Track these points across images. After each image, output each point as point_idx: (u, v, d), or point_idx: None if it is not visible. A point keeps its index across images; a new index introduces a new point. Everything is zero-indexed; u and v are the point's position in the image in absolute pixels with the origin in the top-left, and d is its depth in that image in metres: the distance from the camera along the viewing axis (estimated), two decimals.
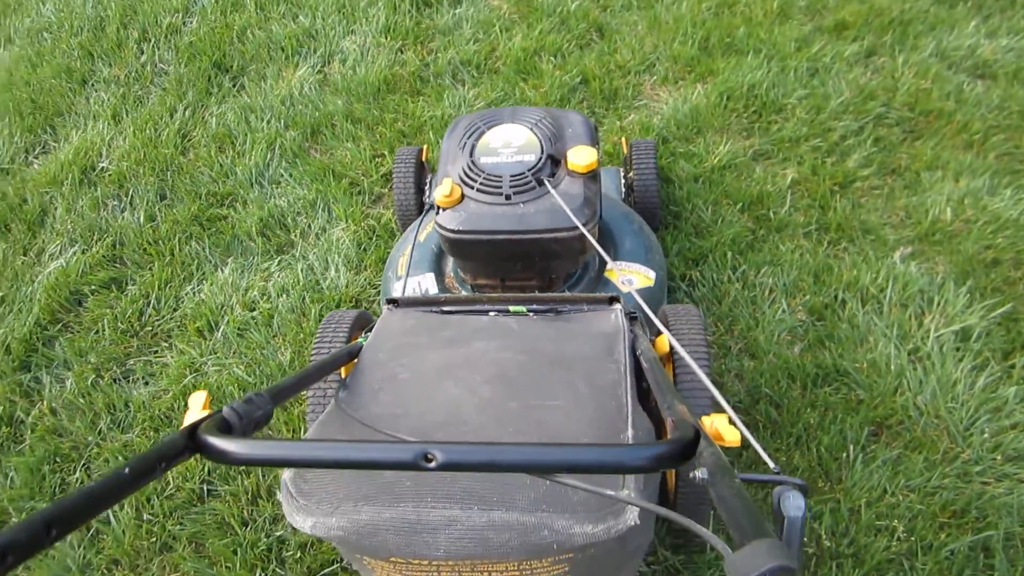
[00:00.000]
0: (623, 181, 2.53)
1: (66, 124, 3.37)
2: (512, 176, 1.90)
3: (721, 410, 1.13)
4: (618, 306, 1.68)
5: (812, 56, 3.09)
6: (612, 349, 1.48)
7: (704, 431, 0.91)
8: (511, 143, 1.98)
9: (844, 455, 2.01)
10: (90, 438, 2.29)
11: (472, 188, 1.91)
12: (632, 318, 1.71)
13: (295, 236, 2.76)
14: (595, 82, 3.11)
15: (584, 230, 1.82)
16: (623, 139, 2.75)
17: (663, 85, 3.14)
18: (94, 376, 2.44)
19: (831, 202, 2.61)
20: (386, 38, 3.46)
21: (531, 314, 1.69)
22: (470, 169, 1.94)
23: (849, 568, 1.83)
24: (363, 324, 1.90)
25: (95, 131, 3.25)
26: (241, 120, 3.17)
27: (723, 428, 1.14)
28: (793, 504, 0.78)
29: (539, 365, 1.41)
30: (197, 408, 1.10)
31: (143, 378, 2.43)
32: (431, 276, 2.23)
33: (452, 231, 1.88)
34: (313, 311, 2.46)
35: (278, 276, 2.62)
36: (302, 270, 2.61)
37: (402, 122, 3.08)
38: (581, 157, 1.89)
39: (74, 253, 2.81)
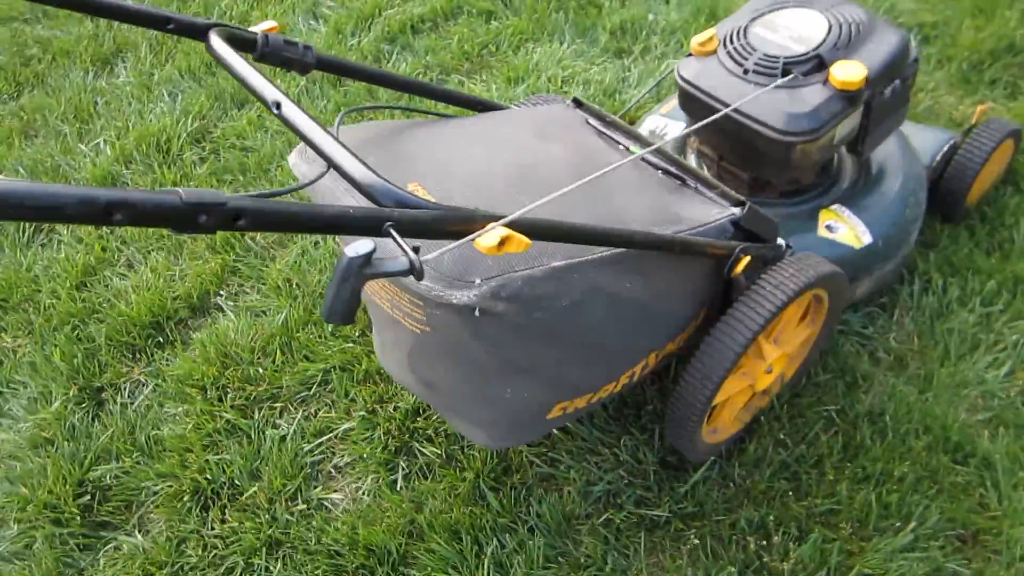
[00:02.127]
0: (943, 149, 2.14)
1: None
2: (764, 55, 1.78)
3: None
4: (732, 212, 1.55)
5: None
6: (676, 223, 1.44)
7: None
8: (795, 28, 1.82)
9: None
10: None
11: (725, 49, 1.84)
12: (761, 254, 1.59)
13: None
14: None
15: (784, 138, 1.68)
16: (981, 107, 2.27)
17: None
18: None
19: None
20: None
21: (644, 160, 1.65)
22: (736, 33, 1.85)
23: None
24: None
25: None
26: None
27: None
28: None
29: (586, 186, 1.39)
30: None
31: None
32: (680, 124, 2.21)
33: (681, 77, 1.87)
34: None
35: None
36: None
37: None
38: (842, 70, 1.69)
39: None
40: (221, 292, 2.30)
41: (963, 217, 2.12)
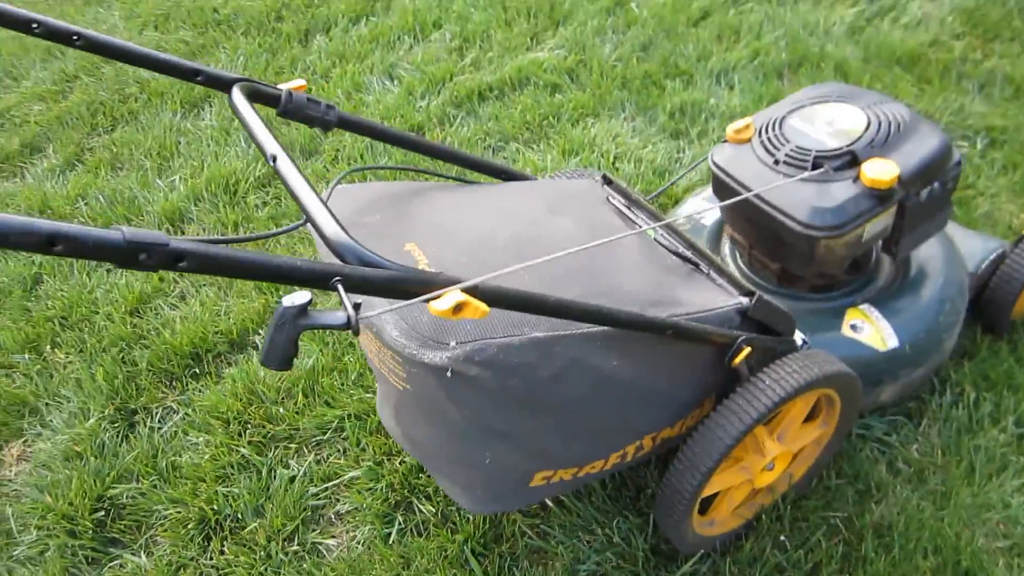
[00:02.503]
0: (991, 257, 2.06)
1: None
2: (797, 147, 1.78)
3: None
4: (739, 301, 1.54)
5: None
6: (675, 305, 1.44)
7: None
8: (833, 122, 1.82)
9: None
10: None
11: (759, 139, 1.85)
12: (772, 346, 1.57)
13: None
14: None
15: (808, 232, 1.67)
16: None
17: None
18: None
19: None
20: None
21: (656, 242, 1.65)
22: (773, 124, 1.86)
23: None
24: None
25: None
26: None
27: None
28: None
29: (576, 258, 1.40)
30: None
31: None
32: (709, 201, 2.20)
33: (714, 163, 1.89)
34: None
35: None
36: None
37: None
38: (873, 168, 1.68)
39: None
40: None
41: (1008, 330, 2.04)
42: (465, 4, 3.68)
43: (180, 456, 2.10)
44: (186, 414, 2.21)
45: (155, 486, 2.04)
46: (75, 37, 1.26)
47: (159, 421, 2.21)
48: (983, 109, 2.71)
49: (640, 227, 1.70)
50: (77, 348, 2.44)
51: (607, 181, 1.89)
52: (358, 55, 3.50)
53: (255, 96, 1.38)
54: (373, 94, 3.25)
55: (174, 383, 2.30)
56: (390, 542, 1.85)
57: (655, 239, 1.67)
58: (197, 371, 2.32)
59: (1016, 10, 3.10)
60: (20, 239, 0.70)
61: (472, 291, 1.04)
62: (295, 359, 0.91)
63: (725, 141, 1.90)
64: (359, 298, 0.96)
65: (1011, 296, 1.97)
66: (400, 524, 1.88)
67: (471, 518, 1.84)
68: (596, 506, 1.82)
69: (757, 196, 1.75)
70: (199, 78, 1.37)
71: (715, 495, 1.71)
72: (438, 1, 3.77)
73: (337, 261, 1.00)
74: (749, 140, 1.86)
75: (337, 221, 1.03)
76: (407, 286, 1.00)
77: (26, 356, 2.42)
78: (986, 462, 1.80)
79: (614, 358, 1.39)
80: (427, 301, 1.00)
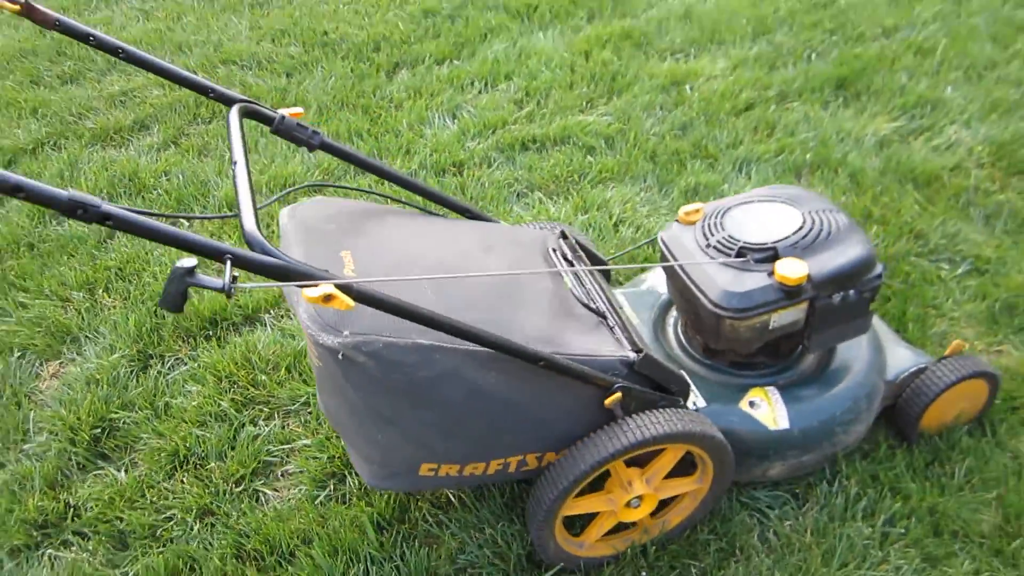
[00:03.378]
0: (911, 370, 2.20)
1: None
2: (728, 236, 2.01)
3: None
4: (626, 355, 1.78)
5: None
6: (560, 346, 1.70)
7: None
8: (770, 220, 2.03)
9: None
10: None
11: (703, 224, 2.08)
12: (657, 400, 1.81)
13: None
14: None
15: (716, 310, 1.89)
16: (957, 342, 2.27)
17: None
18: None
19: None
20: None
21: (571, 293, 1.92)
22: (718, 212, 2.09)
23: None
24: None
25: None
26: None
27: None
28: None
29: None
30: None
31: None
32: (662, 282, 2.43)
33: (661, 238, 2.14)
34: None
35: None
36: None
37: None
38: (784, 266, 1.89)
39: None
40: (271, 312, 2.78)
41: (914, 440, 2.18)
42: (539, 63, 4.05)
43: (174, 399, 2.49)
44: (190, 367, 2.60)
45: (147, 419, 2.43)
46: (119, 51, 1.66)
47: (168, 368, 2.61)
48: (979, 238, 2.84)
49: (568, 277, 1.98)
50: (123, 296, 2.89)
51: (563, 236, 2.18)
52: (431, 92, 3.91)
53: (254, 115, 1.76)
54: (432, 128, 3.65)
55: (189, 340, 2.71)
56: (316, 502, 2.16)
57: (571, 290, 1.94)
58: (210, 334, 2.71)
59: None
60: None
61: (346, 289, 1.36)
62: (184, 305, 1.24)
63: (677, 222, 2.15)
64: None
65: (918, 409, 2.12)
66: (330, 491, 2.19)
67: (387, 500, 2.13)
68: (491, 510, 2.08)
69: (684, 272, 2.00)
70: (211, 94, 1.75)
71: (589, 521, 1.95)
72: (517, 56, 4.15)
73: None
74: (695, 223, 2.11)
75: (256, 220, 1.37)
76: (290, 274, 1.33)
77: (81, 294, 2.89)
78: (847, 550, 1.96)
79: (492, 377, 1.66)
80: (302, 288, 1.33)
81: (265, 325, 2.73)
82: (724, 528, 2.03)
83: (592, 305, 1.92)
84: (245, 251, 1.30)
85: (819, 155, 3.25)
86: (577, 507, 1.87)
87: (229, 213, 1.57)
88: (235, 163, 1.53)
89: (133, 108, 4.04)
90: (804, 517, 2.05)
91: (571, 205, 3.10)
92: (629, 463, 1.88)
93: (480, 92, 3.91)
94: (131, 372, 2.58)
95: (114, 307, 2.85)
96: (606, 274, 2.37)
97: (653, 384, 1.86)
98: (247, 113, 1.74)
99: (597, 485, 1.90)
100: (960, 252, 2.79)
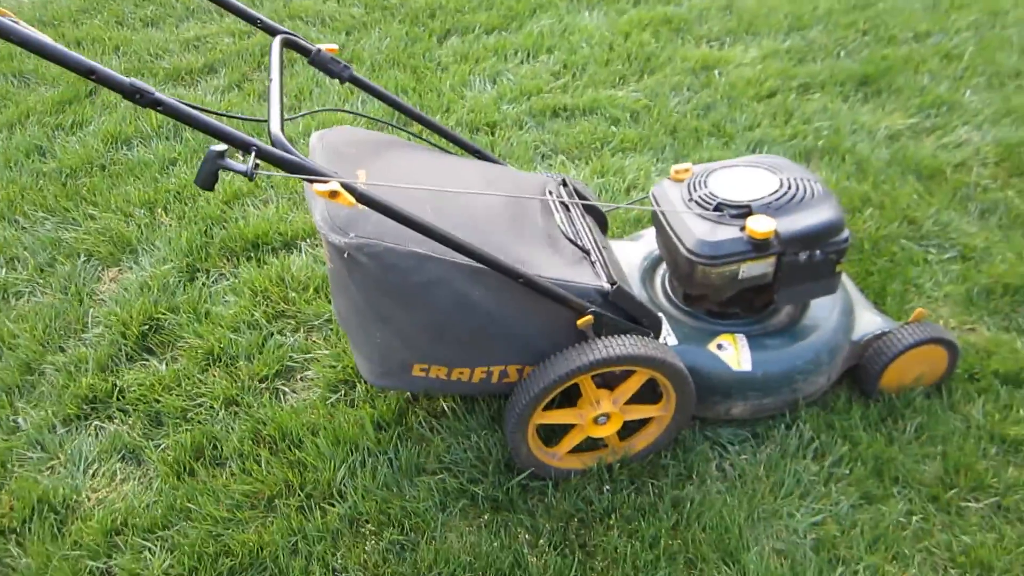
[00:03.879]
0: (875, 333, 2.35)
1: None
2: (709, 192, 2.19)
3: None
4: (601, 284, 1.99)
5: None
6: (540, 269, 1.91)
7: None
8: (750, 182, 2.21)
9: None
10: None
11: (689, 182, 2.27)
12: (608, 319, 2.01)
13: None
14: None
15: (690, 256, 2.08)
16: (920, 310, 2.40)
17: None
18: None
19: None
20: None
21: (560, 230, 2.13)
22: (704, 172, 2.27)
23: None
24: None
25: None
26: None
27: None
28: None
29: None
30: None
31: None
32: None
33: (652, 192, 2.33)
34: None
35: None
36: None
37: None
38: (755, 221, 2.07)
39: None
40: (307, 240, 3.04)
41: (874, 395, 2.33)
42: (580, 39, 4.23)
43: (214, 307, 2.77)
44: (231, 281, 2.87)
45: (189, 322, 2.71)
46: None
47: (211, 281, 2.89)
48: (971, 229, 2.96)
49: (559, 215, 2.18)
50: (178, 216, 3.17)
51: (563, 183, 2.39)
52: (476, 58, 4.13)
53: (294, 46, 2.00)
54: (472, 91, 3.87)
55: (232, 258, 2.98)
56: (327, 403, 2.41)
57: (559, 226, 2.14)
58: (252, 255, 2.98)
59: None
60: (71, 63, 1.31)
61: (350, 190, 1.59)
62: (215, 185, 1.49)
63: (669, 179, 2.34)
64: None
65: (878, 367, 2.28)
66: (340, 395, 2.45)
67: (388, 405, 2.37)
68: (479, 421, 2.31)
69: (666, 221, 2.19)
70: (259, 23, 2.00)
71: (563, 436, 2.17)
72: (561, 32, 4.34)
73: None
74: (683, 181, 2.30)
75: (281, 128, 1.61)
76: (304, 170, 1.57)
77: (142, 211, 3.19)
78: (794, 483, 2.14)
79: (477, 288, 1.88)
80: (313, 184, 1.56)
81: (300, 251, 2.99)
82: (685, 456, 2.22)
83: (578, 242, 2.13)
84: (269, 147, 1.54)
85: (830, 142, 3.39)
86: (549, 417, 2.08)
87: (261, 118, 1.81)
88: (271, 80, 1.77)
89: (204, 52, 4.34)
90: (760, 453, 2.23)
91: (590, 169, 3.30)
92: (599, 384, 2.09)
93: (522, 62, 4.11)
94: (179, 282, 2.87)
95: (170, 225, 3.14)
96: (603, 225, 2.56)
97: (626, 316, 2.06)
98: (288, 43, 1.98)
99: (570, 401, 2.11)
100: (951, 240, 2.91)
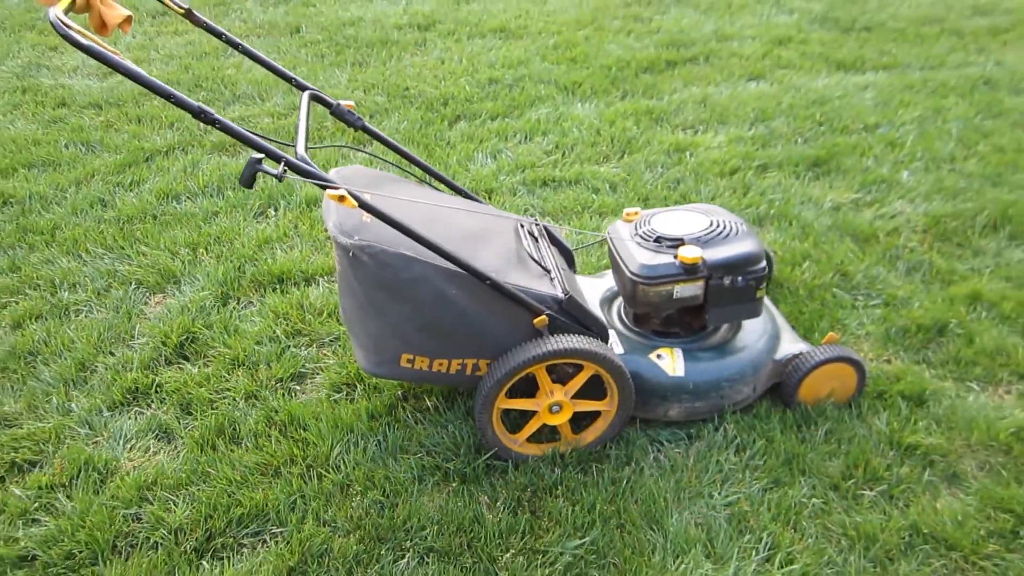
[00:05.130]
0: (794, 353, 2.70)
1: None
2: (651, 228, 2.62)
3: None
4: (556, 294, 2.39)
5: None
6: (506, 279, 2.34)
7: None
8: (686, 222, 2.64)
9: None
10: None
11: (635, 222, 2.70)
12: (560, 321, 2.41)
13: None
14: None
15: (633, 277, 2.50)
16: (831, 334, 2.77)
17: None
18: None
19: None
20: None
21: (528, 254, 2.55)
22: (650, 214, 2.71)
23: None
24: None
25: None
26: None
27: None
28: None
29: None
30: None
31: None
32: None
33: (608, 231, 2.77)
34: None
35: None
36: None
37: None
38: (684, 249, 2.49)
39: None
40: (325, 277, 3.49)
41: (793, 407, 2.68)
42: (571, 125, 4.78)
43: (242, 324, 3.20)
44: (258, 307, 3.31)
45: (220, 335, 3.13)
46: (238, 46, 2.44)
47: (241, 306, 3.33)
48: (896, 283, 3.35)
49: (527, 243, 2.62)
50: (216, 255, 3.65)
51: (536, 224, 2.84)
52: (480, 138, 4.68)
53: (319, 100, 2.51)
54: (475, 164, 4.39)
55: (260, 289, 3.43)
56: (332, 400, 2.80)
57: (527, 252, 2.57)
58: (277, 287, 3.43)
59: (977, 226, 3.70)
60: (158, 88, 1.80)
61: (355, 197, 2.05)
62: (253, 184, 1.94)
63: (621, 220, 2.78)
64: None
65: (795, 381, 2.64)
66: (343, 394, 2.84)
67: (381, 400, 2.76)
68: (455, 415, 2.68)
69: (616, 250, 2.62)
70: (293, 82, 2.51)
71: (524, 426, 2.53)
72: (556, 119, 4.90)
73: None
74: (632, 221, 2.74)
75: (305, 148, 2.08)
76: (320, 179, 2.03)
77: (186, 250, 3.67)
78: (716, 471, 2.48)
79: (454, 288, 2.30)
80: (326, 190, 2.02)
81: (319, 285, 3.43)
82: (627, 448, 2.57)
83: (542, 263, 2.55)
84: (295, 159, 2.00)
85: (780, 210, 3.84)
86: (511, 404, 2.46)
87: (290, 143, 2.26)
88: (300, 119, 2.25)
89: (246, 128, 4.91)
90: (691, 448, 2.58)
91: (571, 226, 3.75)
92: (554, 380, 2.47)
93: (520, 142, 4.65)
94: (214, 305, 3.31)
95: (209, 262, 3.61)
96: (570, 262, 2.99)
97: (578, 323, 2.46)
98: (313, 98, 2.49)
99: (531, 394, 2.48)
100: (877, 290, 3.30)
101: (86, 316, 3.31)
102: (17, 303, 3.38)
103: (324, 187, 2.03)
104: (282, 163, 1.97)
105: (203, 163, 4.50)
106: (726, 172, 4.22)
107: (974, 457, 2.55)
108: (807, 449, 2.54)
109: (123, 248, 3.72)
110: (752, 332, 2.76)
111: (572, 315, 2.45)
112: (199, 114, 1.86)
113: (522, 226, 2.73)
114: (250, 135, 1.97)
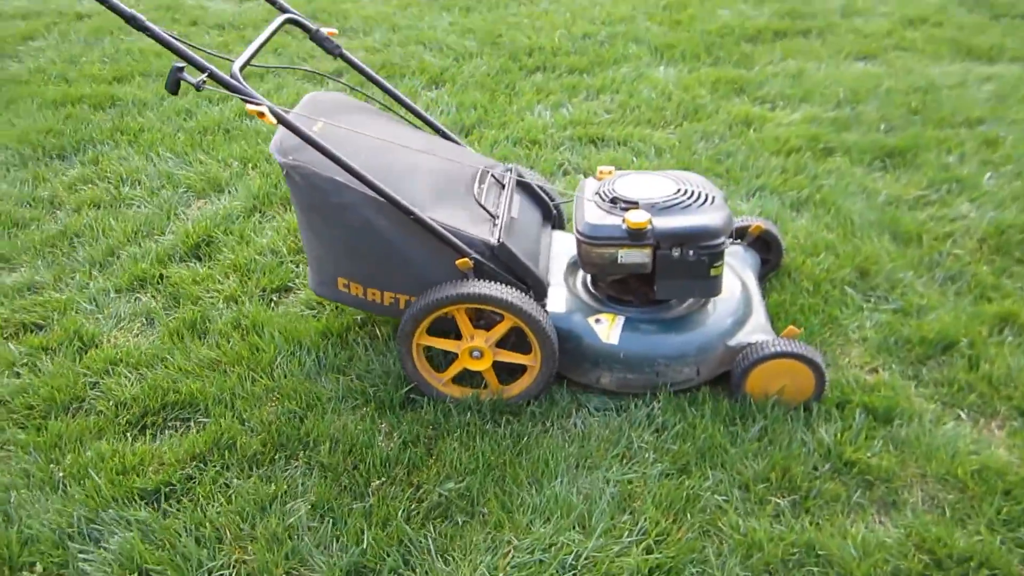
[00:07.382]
0: (750, 341, 2.45)
1: None
2: (611, 188, 2.46)
3: None
4: (489, 239, 2.32)
5: None
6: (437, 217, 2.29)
7: None
8: (650, 185, 2.46)
9: None
10: None
11: (604, 181, 2.54)
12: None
13: None
14: None
15: (578, 235, 2.37)
16: (791, 327, 2.47)
17: None
18: None
19: None
20: None
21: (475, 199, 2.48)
22: (620, 176, 2.54)
23: None
24: None
25: None
26: None
27: None
28: None
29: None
30: None
31: None
32: None
33: (579, 187, 2.63)
34: None
35: None
36: None
37: None
38: (631, 214, 2.32)
39: None
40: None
41: (737, 397, 2.46)
42: (646, 86, 4.54)
43: (256, 236, 3.35)
44: (277, 222, 3.45)
45: (234, 241, 3.30)
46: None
47: (264, 219, 3.48)
48: (920, 289, 2.94)
49: (487, 182, 2.54)
50: (262, 172, 3.82)
51: (511, 171, 2.74)
52: (549, 92, 4.56)
53: (297, 23, 2.52)
54: (532, 115, 4.29)
55: (287, 207, 3.56)
56: (301, 314, 2.89)
57: (474, 196, 2.49)
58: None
59: None
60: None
61: (276, 114, 2.07)
62: (178, 91, 2.00)
63: (594, 177, 2.64)
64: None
65: (740, 371, 2.42)
66: (314, 312, 2.92)
67: (339, 323, 2.81)
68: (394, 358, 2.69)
69: (576, 204, 2.49)
70: (275, 4, 2.53)
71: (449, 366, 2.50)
72: (634, 79, 4.67)
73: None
74: (601, 179, 2.59)
75: (242, 66, 2.11)
76: (241, 93, 2.05)
77: (237, 163, 3.87)
78: (624, 448, 2.33)
79: (383, 220, 2.29)
80: (245, 102, 2.05)
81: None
82: (549, 408, 2.48)
83: (488, 208, 2.47)
84: (221, 73, 2.04)
85: (824, 197, 3.48)
86: (430, 341, 2.43)
87: (230, 57, 2.28)
88: (255, 41, 2.28)
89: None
90: (612, 421, 2.44)
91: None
92: (477, 325, 2.41)
93: (585, 99, 4.48)
94: (240, 215, 3.49)
95: (254, 176, 3.80)
96: (547, 217, 2.87)
97: (512, 273, 2.38)
98: (291, 22, 2.51)
99: (457, 336, 2.44)
100: (896, 295, 2.94)
101: (135, 210, 3.59)
102: (86, 191, 3.72)
103: (246, 102, 2.06)
104: (205, 72, 2.01)
105: (288, 87, 4.70)
106: (783, 151, 3.87)
107: (924, 489, 2.24)
108: (729, 443, 2.34)
109: (186, 154, 3.97)
110: (713, 313, 2.56)
111: (504, 263, 2.37)
112: (131, 20, 1.93)
113: (490, 173, 2.65)
114: (178, 44, 2.02)
